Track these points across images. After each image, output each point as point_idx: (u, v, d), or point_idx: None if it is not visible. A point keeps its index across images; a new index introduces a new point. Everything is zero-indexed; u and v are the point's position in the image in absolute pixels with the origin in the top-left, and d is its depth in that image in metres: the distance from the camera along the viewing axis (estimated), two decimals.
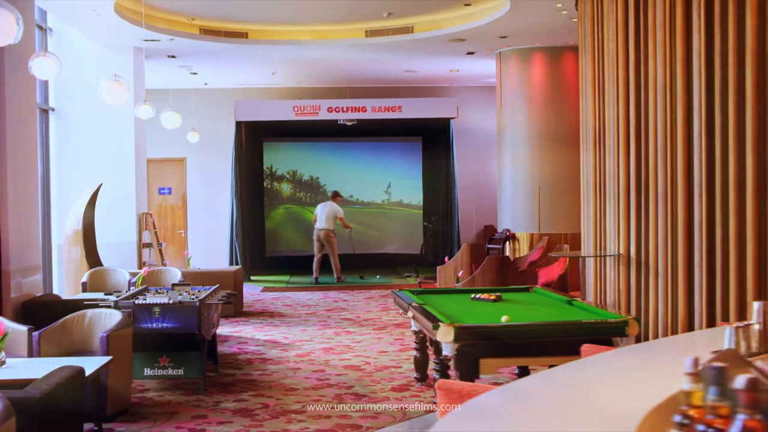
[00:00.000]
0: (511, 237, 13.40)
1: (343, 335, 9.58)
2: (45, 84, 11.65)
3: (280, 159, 17.53)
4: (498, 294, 6.76)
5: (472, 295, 6.78)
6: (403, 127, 16.26)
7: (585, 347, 3.74)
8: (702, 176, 7.26)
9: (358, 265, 16.10)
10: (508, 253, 13.35)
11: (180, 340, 6.87)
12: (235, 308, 11.18)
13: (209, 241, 16.84)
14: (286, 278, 15.58)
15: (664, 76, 7.62)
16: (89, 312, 6.52)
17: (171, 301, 6.80)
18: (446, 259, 11.90)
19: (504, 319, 5.45)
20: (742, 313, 6.97)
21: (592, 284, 9.06)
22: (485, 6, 11.36)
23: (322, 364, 8.03)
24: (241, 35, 12.87)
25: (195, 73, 15.45)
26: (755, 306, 3.08)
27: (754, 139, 6.96)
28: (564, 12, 10.80)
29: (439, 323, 5.22)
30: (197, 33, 12.52)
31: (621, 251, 8.31)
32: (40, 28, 11.24)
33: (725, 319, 7.15)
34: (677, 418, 2.02)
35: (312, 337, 9.53)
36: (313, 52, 13.64)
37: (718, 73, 7.16)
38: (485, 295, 6.68)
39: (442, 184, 16.48)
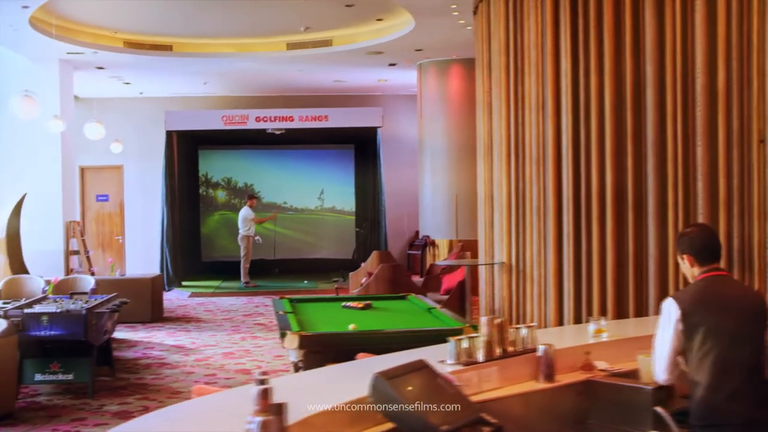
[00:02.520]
0: (431, 243, 13.84)
1: (248, 340, 9.96)
2: None
3: (215, 166, 17.87)
4: (368, 302, 7.17)
5: (343, 304, 7.19)
6: (336, 135, 16.66)
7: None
8: (569, 190, 7.75)
9: (293, 271, 16.47)
10: (428, 258, 13.81)
11: (69, 347, 7.21)
12: (153, 314, 11.51)
13: (146, 248, 17.08)
14: (217, 283, 15.90)
15: (537, 94, 8.10)
16: None
17: (58, 310, 7.14)
18: (362, 264, 12.32)
19: (351, 327, 5.87)
20: (620, 309, 7.50)
21: (484, 290, 9.51)
22: (395, 21, 11.81)
23: (216, 368, 8.41)
24: (166, 48, 13.20)
25: (128, 83, 15.74)
26: (482, 320, 3.52)
27: (613, 155, 7.49)
28: (469, 27, 11.25)
29: (287, 331, 5.61)
30: (121, 46, 12.82)
31: (504, 259, 8.77)
32: None
33: (589, 317, 7.63)
34: None
35: (218, 342, 9.90)
36: (239, 64, 14.01)
37: (582, 93, 7.68)
38: (354, 303, 7.10)
39: (371, 191, 16.92)
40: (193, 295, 14.53)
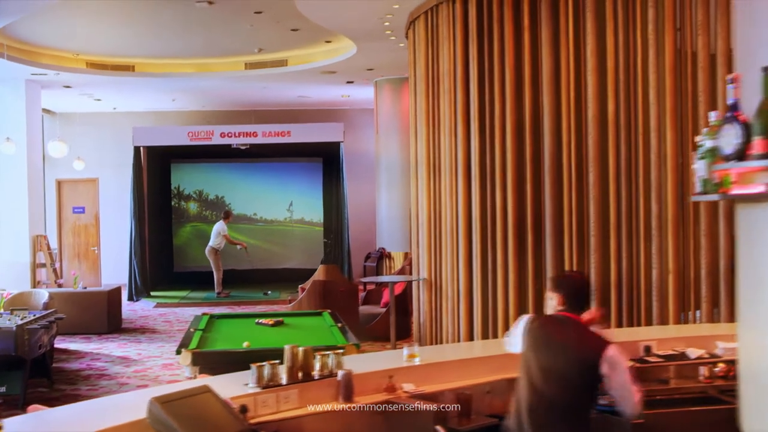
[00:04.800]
0: (386, 255, 14.30)
1: None
2: None
3: (186, 179, 18.39)
4: (279, 319, 7.62)
5: (257, 320, 7.65)
6: (304, 148, 17.12)
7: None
8: (477, 211, 8.21)
9: (261, 280, 16.94)
10: (384, 270, 14.28)
11: (1, 361, 7.68)
12: (110, 325, 11.98)
13: (120, 258, 17.54)
14: (185, 293, 16.39)
15: (450, 119, 8.57)
16: None
17: None
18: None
19: (245, 344, 6.32)
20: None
21: (415, 303, 9.96)
22: (343, 44, 12.27)
23: (150, 380, 8.86)
24: (128, 68, 13.72)
25: (99, 100, 16.27)
26: (285, 348, 3.98)
27: (514, 180, 7.94)
28: None
29: (182, 348, 6.08)
30: (84, 67, 13.34)
31: (426, 276, 9.23)
32: None
33: (495, 333, 8.10)
34: None
35: (163, 353, 10.35)
36: (201, 82, 14.52)
37: (488, 120, 8.15)
38: (266, 320, 7.55)
39: (336, 204, 17.40)
40: (158, 305, 15.00)
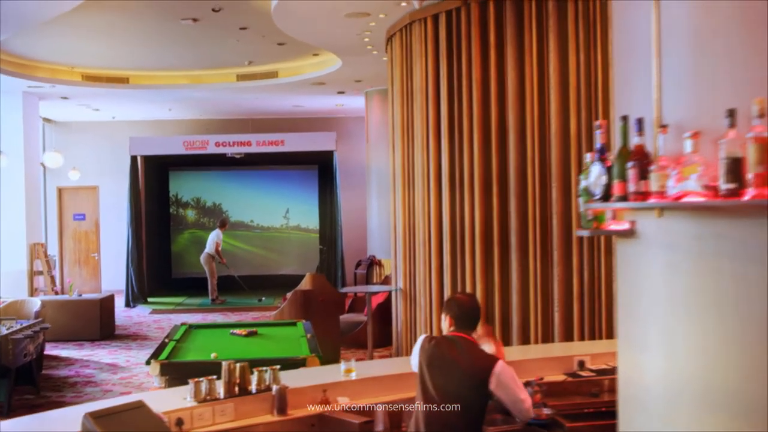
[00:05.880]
0: (377, 263, 14.54)
1: None
2: None
3: (184, 187, 18.72)
4: (253, 330, 7.88)
5: (231, 331, 7.91)
6: (300, 156, 17.40)
7: None
8: (447, 223, 8.45)
9: (257, 286, 17.23)
10: (374, 277, 14.53)
11: None
12: (102, 332, 12.28)
13: (120, 265, 17.88)
14: (181, 300, 16.70)
15: (422, 133, 8.80)
16: None
17: None
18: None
19: (213, 356, 6.58)
20: None
21: (393, 313, 10.20)
22: (330, 56, 12.53)
23: (134, 387, 9.14)
24: (123, 80, 14.04)
25: (97, 110, 16.62)
26: (223, 364, 4.24)
27: (481, 194, 8.17)
28: None
29: (151, 359, 6.35)
30: (80, 79, 13.67)
31: (402, 286, 9.47)
32: None
33: None
34: None
35: None
36: (195, 93, 14.82)
37: (456, 135, 8.39)
38: (239, 331, 7.81)
39: (329, 211, 17.68)
40: (154, 311, 15.31)
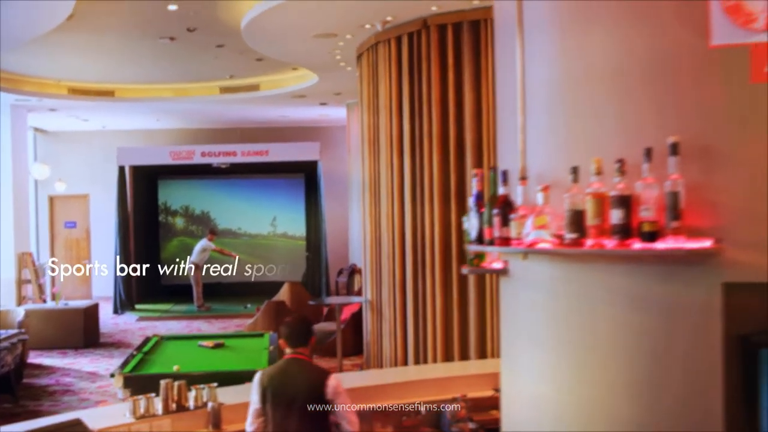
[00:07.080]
0: (357, 271, 14.82)
1: None
2: None
3: (173, 195, 19.05)
4: (220, 341, 8.18)
5: (199, 342, 8.21)
6: (286, 165, 17.71)
7: None
8: (410, 237, 8.74)
9: (244, 293, 17.55)
10: (354, 286, 14.82)
11: None
12: (86, 340, 12.59)
13: (110, 271, 18.24)
14: (168, 307, 17.01)
15: (387, 149, 9.10)
16: None
17: None
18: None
19: (175, 368, 6.88)
20: (447, 351, 8.47)
21: (363, 324, 10.48)
22: (308, 71, 12.83)
23: (110, 395, 9.43)
24: (109, 93, 14.36)
25: (86, 120, 16.95)
26: (161, 383, 4.55)
27: (440, 209, 8.45)
28: None
29: (115, 372, 6.66)
30: (66, 93, 13.99)
31: (370, 297, 9.77)
32: None
33: (425, 358, 8.63)
34: None
35: None
36: (180, 105, 15.14)
37: (418, 152, 8.68)
38: (207, 343, 8.11)
39: (314, 219, 17.99)
40: (140, 318, 15.62)
